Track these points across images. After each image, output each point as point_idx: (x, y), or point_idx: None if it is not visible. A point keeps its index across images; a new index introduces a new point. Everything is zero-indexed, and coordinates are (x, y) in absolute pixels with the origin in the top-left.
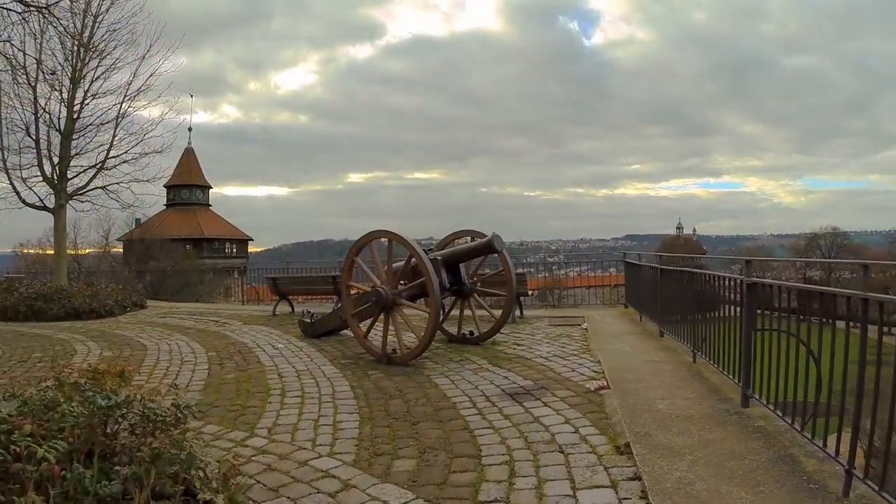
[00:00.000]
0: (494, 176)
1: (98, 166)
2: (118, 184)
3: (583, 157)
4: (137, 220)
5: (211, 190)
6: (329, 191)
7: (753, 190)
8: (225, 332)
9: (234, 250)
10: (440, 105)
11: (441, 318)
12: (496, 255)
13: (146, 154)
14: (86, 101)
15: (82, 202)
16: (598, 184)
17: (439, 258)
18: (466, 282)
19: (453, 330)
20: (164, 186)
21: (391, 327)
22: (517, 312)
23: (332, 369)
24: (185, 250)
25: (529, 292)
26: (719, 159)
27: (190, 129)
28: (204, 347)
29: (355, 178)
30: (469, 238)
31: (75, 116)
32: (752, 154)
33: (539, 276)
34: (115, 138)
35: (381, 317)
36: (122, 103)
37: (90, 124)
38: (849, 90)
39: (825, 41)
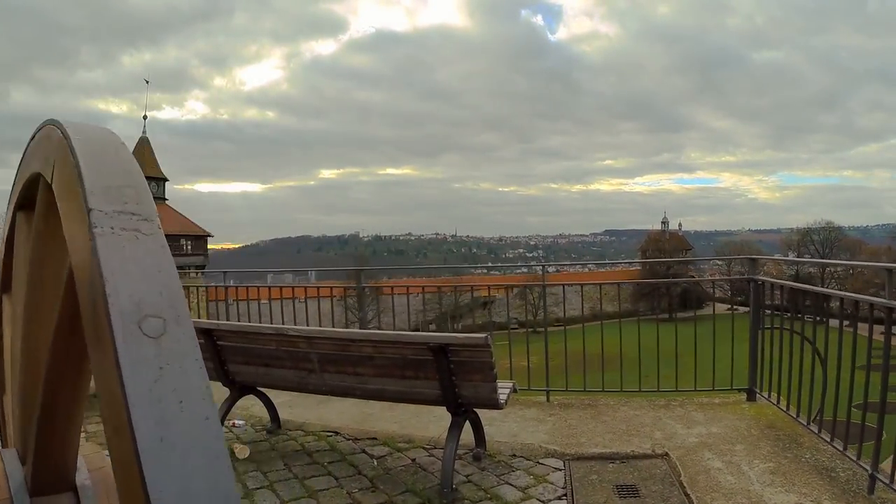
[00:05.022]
0: (467, 171)
1: None
2: None
3: (555, 152)
4: None
5: (170, 184)
6: (302, 187)
7: (728, 185)
8: None
9: (190, 247)
10: (407, 100)
11: None
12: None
13: None
14: None
15: None
16: (571, 179)
17: None
18: None
19: None
20: None
21: None
22: (477, 448)
23: None
24: None
25: (503, 392)
26: (692, 155)
27: (145, 118)
28: None
29: (327, 173)
30: None
31: None
32: (725, 150)
33: (518, 272)
34: None
35: None
36: None
37: None
38: (819, 85)
39: (793, 35)
